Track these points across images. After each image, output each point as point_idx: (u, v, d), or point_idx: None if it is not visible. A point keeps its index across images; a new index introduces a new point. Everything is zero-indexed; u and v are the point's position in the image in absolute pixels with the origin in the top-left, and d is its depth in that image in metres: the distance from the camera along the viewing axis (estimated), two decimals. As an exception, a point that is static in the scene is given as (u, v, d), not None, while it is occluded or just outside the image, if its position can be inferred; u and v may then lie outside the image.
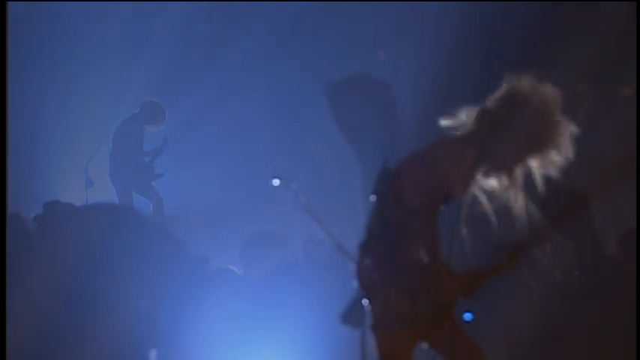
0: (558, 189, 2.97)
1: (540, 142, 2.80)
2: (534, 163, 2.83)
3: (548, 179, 2.86)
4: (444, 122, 2.88)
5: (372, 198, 2.90)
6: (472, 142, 2.85)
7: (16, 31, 5.32)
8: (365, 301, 2.79)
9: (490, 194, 2.86)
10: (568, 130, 2.84)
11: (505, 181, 2.84)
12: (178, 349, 5.89)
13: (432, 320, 2.71)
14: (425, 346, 2.76)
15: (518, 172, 2.84)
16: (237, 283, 5.97)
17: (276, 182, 4.25)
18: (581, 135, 2.87)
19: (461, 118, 2.88)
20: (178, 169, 8.38)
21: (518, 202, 2.83)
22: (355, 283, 3.16)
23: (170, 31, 8.21)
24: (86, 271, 6.30)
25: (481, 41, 6.28)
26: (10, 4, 5.01)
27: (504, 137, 2.81)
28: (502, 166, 2.84)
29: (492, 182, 2.85)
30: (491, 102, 2.89)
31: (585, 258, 4.85)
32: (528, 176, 2.85)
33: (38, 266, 5.79)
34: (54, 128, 8.33)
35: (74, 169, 8.21)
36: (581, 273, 4.97)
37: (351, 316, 3.11)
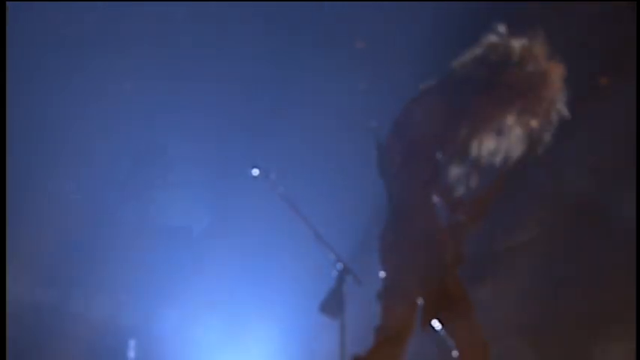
0: None
1: (528, 92, 2.66)
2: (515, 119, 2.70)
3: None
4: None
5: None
6: (442, 94, 2.77)
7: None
8: (381, 273, 2.78)
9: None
10: (557, 78, 2.68)
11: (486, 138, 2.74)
12: (156, 339, 5.89)
13: (443, 298, 2.69)
14: (436, 324, 2.72)
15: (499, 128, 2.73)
16: (217, 274, 5.97)
17: (255, 172, 4.23)
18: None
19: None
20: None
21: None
22: (333, 273, 3.17)
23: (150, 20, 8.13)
24: (68, 262, 6.28)
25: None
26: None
27: (481, 89, 2.71)
28: (480, 121, 2.73)
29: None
30: (472, 53, 2.79)
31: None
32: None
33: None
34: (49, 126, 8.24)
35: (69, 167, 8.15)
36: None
37: (329, 305, 3.12)
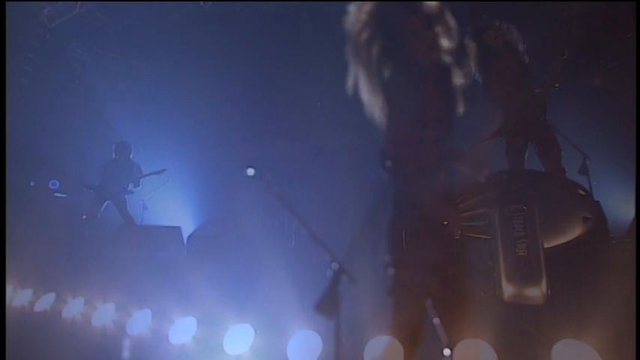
0: None
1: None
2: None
3: None
4: None
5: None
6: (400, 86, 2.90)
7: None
8: (390, 270, 2.84)
9: None
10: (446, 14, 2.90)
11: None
12: (152, 339, 5.90)
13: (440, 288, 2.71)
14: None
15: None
16: (214, 277, 5.98)
17: (250, 172, 4.22)
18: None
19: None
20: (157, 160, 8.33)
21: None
22: (329, 273, 3.17)
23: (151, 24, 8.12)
24: (63, 264, 6.28)
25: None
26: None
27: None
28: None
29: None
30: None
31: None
32: None
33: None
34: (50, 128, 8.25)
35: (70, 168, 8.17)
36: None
37: (325, 305, 3.11)
